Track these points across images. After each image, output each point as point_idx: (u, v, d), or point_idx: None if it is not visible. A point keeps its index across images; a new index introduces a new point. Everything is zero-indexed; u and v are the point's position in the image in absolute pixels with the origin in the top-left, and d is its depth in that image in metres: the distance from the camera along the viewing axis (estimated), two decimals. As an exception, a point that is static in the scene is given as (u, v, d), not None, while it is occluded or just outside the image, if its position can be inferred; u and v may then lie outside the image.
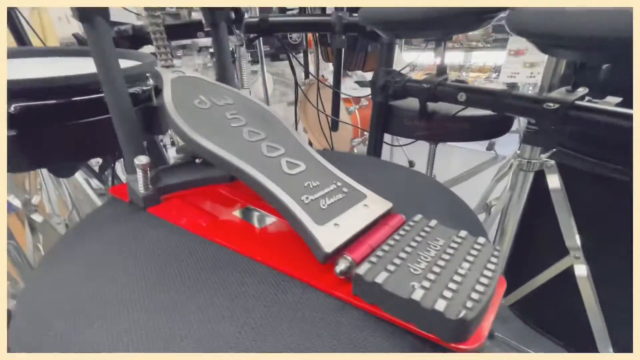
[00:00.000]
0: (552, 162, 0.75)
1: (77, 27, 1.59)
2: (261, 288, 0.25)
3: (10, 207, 1.11)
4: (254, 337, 0.21)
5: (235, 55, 0.44)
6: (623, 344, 0.79)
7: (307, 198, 0.28)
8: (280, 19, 0.84)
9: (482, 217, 0.97)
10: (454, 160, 2.69)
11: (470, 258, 0.23)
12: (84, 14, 0.31)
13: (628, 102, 0.59)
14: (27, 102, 0.39)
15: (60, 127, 0.42)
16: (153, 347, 0.21)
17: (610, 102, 0.63)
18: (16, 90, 0.39)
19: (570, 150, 0.82)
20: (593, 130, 0.59)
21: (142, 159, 0.35)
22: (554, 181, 0.75)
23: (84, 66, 0.56)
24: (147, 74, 0.52)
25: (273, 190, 0.28)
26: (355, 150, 2.08)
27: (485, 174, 1.49)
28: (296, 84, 0.94)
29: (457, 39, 2.99)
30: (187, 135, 0.31)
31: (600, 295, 0.77)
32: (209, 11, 0.40)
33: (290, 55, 0.92)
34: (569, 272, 0.81)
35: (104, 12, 0.32)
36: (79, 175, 1.04)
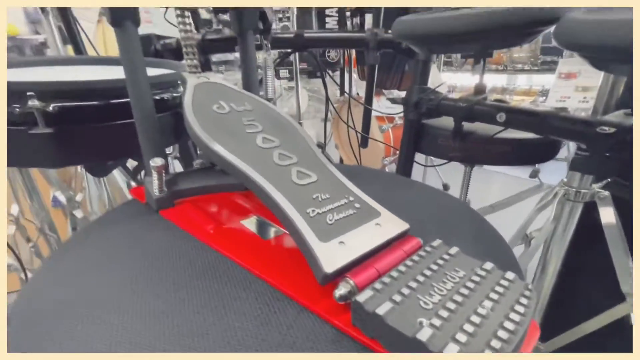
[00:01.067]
0: (607, 193, 0.67)
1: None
2: (254, 305, 0.23)
3: (57, 203, 1.19)
4: (234, 362, 0.18)
5: (261, 65, 0.44)
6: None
7: (313, 211, 0.26)
8: (315, 35, 0.85)
9: (519, 249, 0.88)
10: (492, 186, 2.54)
11: (494, 296, 0.19)
12: (115, 19, 0.32)
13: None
14: (64, 102, 0.42)
15: (94, 128, 0.44)
16: None
17: (680, 129, 0.55)
18: (54, 90, 0.41)
19: (628, 181, 0.73)
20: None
21: (157, 161, 0.35)
22: (608, 215, 0.66)
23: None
24: (179, 82, 0.54)
25: (277, 199, 0.26)
26: (387, 169, 2.03)
27: (526, 204, 1.38)
28: (327, 99, 0.93)
29: (501, 60, 2.87)
30: (198, 136, 0.31)
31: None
32: (236, 19, 0.41)
33: (324, 73, 0.93)
34: (624, 321, 0.70)
35: (134, 16, 0.33)
36: (117, 175, 1.10)
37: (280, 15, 2.05)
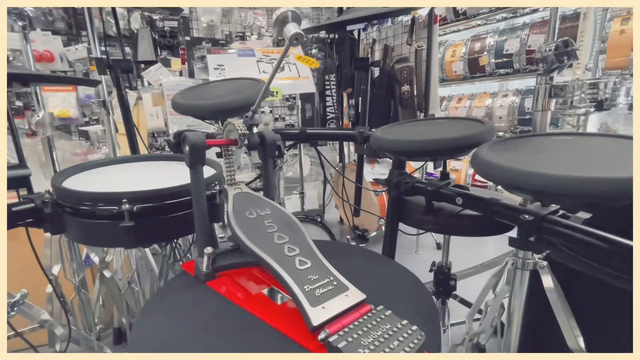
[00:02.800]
0: (545, 263, 0.84)
1: (162, 121, 2.04)
2: (273, 343, 0.40)
3: (88, 262, 1.36)
4: (264, 374, 0.36)
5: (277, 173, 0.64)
6: None
7: (307, 287, 0.44)
8: (315, 132, 1.10)
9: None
10: (488, 246, 2.65)
11: (401, 339, 0.37)
12: (192, 164, 0.54)
13: (596, 219, 0.71)
14: (144, 204, 0.62)
15: (160, 219, 0.64)
16: (207, 373, 0.36)
17: (580, 218, 0.74)
18: (139, 197, 0.62)
19: (567, 249, 0.90)
20: (566, 243, 0.70)
21: (209, 249, 0.54)
22: (548, 281, 0.82)
23: (175, 171, 0.82)
24: (216, 182, 0.75)
25: (287, 281, 0.44)
26: (383, 229, 2.20)
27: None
28: (325, 178, 1.15)
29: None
30: (240, 238, 0.50)
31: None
32: (262, 152, 0.63)
33: (320, 154, 1.16)
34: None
35: (203, 161, 0.55)
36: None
37: (287, 96, 2.41)
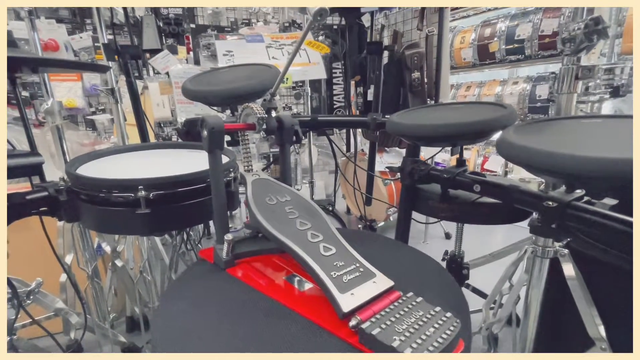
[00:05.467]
0: (566, 251, 0.82)
1: (168, 111, 2.02)
2: (301, 332, 0.39)
3: (100, 251, 1.37)
4: (296, 361, 0.34)
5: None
6: None
7: (334, 274, 0.43)
8: (327, 119, 1.07)
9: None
10: (497, 235, 2.63)
11: (436, 326, 0.35)
12: (210, 148, 0.52)
13: (624, 205, 0.68)
14: (160, 191, 0.61)
15: (176, 207, 0.63)
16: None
17: (607, 204, 0.71)
18: (155, 184, 0.61)
19: (588, 237, 0.87)
20: (591, 230, 0.68)
21: (229, 236, 0.53)
22: (569, 270, 0.80)
23: (187, 159, 0.80)
24: (230, 169, 0.73)
25: (313, 267, 0.43)
26: (391, 219, 2.18)
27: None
28: (336, 165, 1.13)
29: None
30: (262, 225, 0.49)
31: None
32: (279, 136, 0.61)
33: (330, 140, 1.14)
34: (598, 364, 0.80)
35: (221, 146, 0.53)
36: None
37: (293, 84, 2.38)
